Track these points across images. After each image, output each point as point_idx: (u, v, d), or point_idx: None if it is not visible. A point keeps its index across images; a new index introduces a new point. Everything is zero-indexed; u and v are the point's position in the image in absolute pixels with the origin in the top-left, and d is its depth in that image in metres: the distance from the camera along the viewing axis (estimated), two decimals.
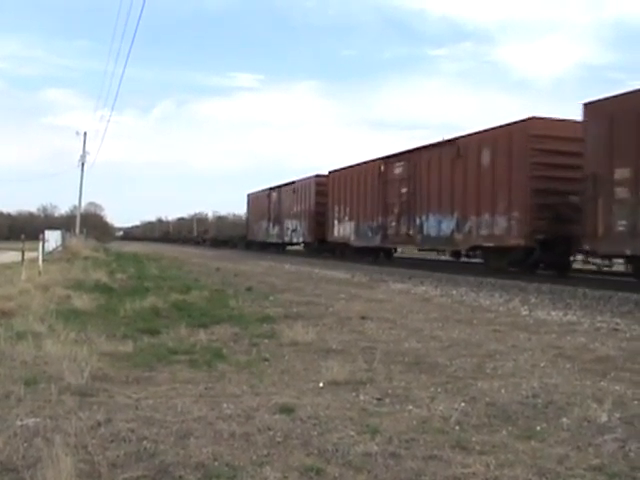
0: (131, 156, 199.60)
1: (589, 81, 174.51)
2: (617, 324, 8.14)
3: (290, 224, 32.78)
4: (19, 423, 3.76)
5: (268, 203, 37.09)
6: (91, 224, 70.61)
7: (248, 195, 42.95)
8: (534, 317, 8.91)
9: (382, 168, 22.31)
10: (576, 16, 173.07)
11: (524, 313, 9.37)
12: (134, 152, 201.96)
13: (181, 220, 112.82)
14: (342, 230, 25.84)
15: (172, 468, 3.12)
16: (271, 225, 36.46)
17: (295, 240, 32.80)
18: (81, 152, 48.43)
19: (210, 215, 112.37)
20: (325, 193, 27.73)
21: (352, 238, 24.78)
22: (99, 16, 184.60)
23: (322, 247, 28.80)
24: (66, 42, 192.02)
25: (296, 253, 33.91)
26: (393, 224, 21.52)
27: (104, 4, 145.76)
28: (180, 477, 3.04)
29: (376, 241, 22.84)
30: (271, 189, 36.96)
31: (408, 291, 12.98)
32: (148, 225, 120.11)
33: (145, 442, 3.48)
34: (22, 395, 4.36)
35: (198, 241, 63.73)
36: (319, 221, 28.43)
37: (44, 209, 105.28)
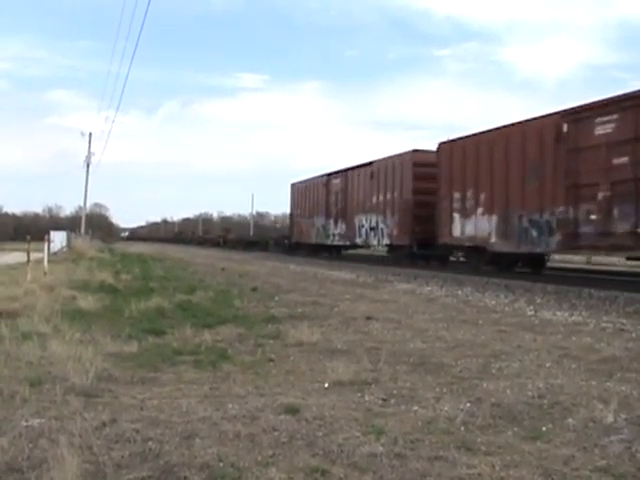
0: (136, 157, 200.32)
1: (593, 81, 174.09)
2: (623, 324, 8.11)
3: (365, 220, 23.89)
4: (24, 424, 3.76)
5: (326, 194, 27.95)
6: (96, 225, 71.04)
7: (292, 185, 33.35)
8: (540, 317, 8.89)
9: (565, 128, 13.93)
10: (581, 16, 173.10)
11: (530, 313, 9.34)
12: (139, 153, 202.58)
13: (186, 220, 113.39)
14: (470, 227, 17.20)
15: (177, 469, 3.12)
16: (332, 222, 27.26)
17: (374, 242, 24.00)
18: (86, 153, 48.79)
19: (215, 215, 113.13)
20: (429, 175, 19.28)
21: (493, 239, 16.34)
22: (103, 16, 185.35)
23: (425, 252, 20.49)
24: (70, 43, 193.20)
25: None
26: (593, 217, 13.18)
27: (108, 5, 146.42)
28: (185, 478, 3.04)
29: (550, 244, 14.43)
30: (330, 175, 27.99)
31: (413, 291, 12.96)
32: (153, 226, 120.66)
33: (150, 443, 3.48)
34: (27, 396, 4.37)
35: (218, 242, 56.14)
36: (420, 215, 19.96)
37: (49, 210, 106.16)
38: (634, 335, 7.31)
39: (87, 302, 9.65)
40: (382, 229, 22.49)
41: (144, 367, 5.51)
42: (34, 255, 18.09)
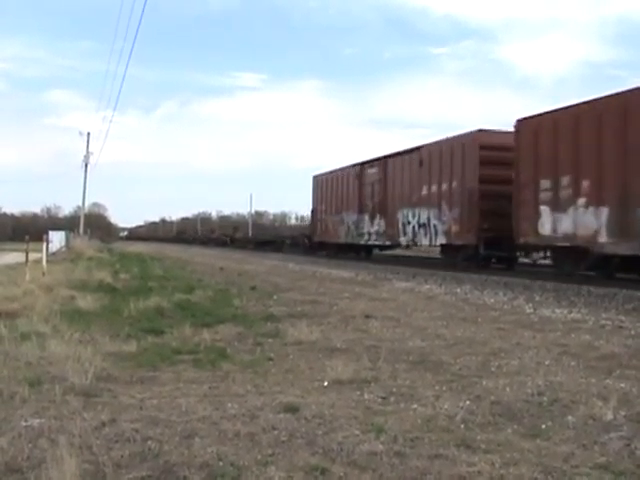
0: (134, 156, 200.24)
1: (591, 79, 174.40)
2: (622, 321, 8.12)
3: (411, 216, 20.24)
4: (23, 424, 3.76)
5: (358, 186, 24.26)
6: (95, 224, 70.94)
7: (315, 178, 29.50)
8: (539, 315, 8.89)
9: None
10: (579, 13, 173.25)
11: (528, 311, 9.35)
12: (137, 152, 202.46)
13: (185, 220, 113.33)
14: (567, 223, 13.58)
15: (177, 468, 3.12)
16: (367, 219, 23.47)
17: (425, 241, 20.06)
18: (85, 153, 48.68)
19: (214, 215, 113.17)
20: (499, 160, 16.31)
21: (602, 238, 12.75)
22: (102, 17, 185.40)
23: (496, 253, 17.33)
24: (69, 43, 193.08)
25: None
26: None
27: (107, 5, 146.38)
28: (185, 477, 3.03)
29: None
30: (364, 164, 24.15)
31: (412, 289, 12.97)
32: (152, 225, 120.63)
33: (149, 442, 3.48)
34: (26, 396, 4.36)
35: (224, 242, 52.84)
36: (487, 209, 16.65)
37: (48, 210, 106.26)
38: (633, 332, 7.32)
39: (86, 302, 9.64)
40: (435, 226, 18.90)
41: (143, 366, 5.50)
42: (33, 255, 18.08)
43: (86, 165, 48.66)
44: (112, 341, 6.49)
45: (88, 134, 49.04)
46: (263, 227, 69.13)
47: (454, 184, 18.00)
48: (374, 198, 23.01)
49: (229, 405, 4.24)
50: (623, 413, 4.02)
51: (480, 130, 17.33)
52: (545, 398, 4.42)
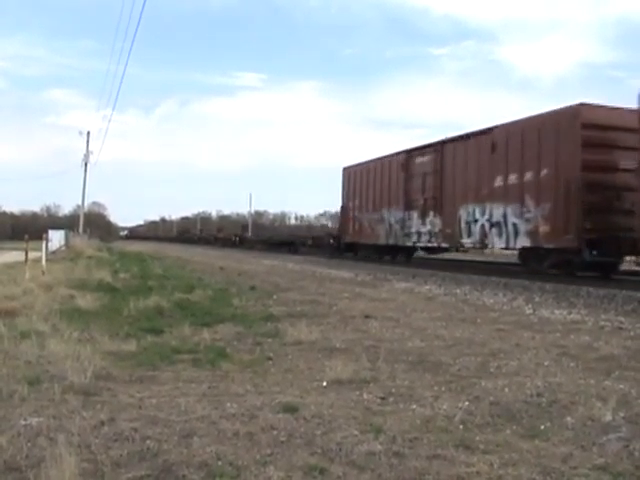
0: (134, 155, 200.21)
1: (590, 80, 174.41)
2: (621, 323, 8.12)
3: (479, 213, 16.77)
4: (23, 422, 3.76)
5: (404, 178, 20.54)
6: (95, 224, 70.89)
7: (345, 170, 25.52)
8: (538, 316, 8.89)
9: None
10: (579, 14, 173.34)
11: (528, 312, 9.35)
12: (137, 151, 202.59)
13: (185, 219, 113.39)
14: None
15: (175, 467, 3.12)
16: (415, 216, 19.86)
17: (499, 244, 16.45)
18: (84, 152, 48.66)
19: (214, 214, 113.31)
20: (607, 143, 13.48)
21: None
22: (102, 16, 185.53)
23: (606, 259, 13.93)
24: (69, 42, 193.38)
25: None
26: None
27: (107, 3, 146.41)
28: (183, 476, 3.04)
29: None
30: (411, 152, 20.47)
31: (412, 290, 12.96)
32: (152, 224, 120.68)
33: (148, 441, 3.48)
34: (26, 394, 4.36)
35: (233, 242, 49.95)
36: (592, 203, 13.40)
37: (47, 209, 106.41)
38: (632, 333, 7.32)
39: (85, 301, 9.64)
40: (515, 225, 15.44)
41: (143, 366, 5.50)
42: (32, 254, 18.07)
43: (86, 164, 48.68)
44: (111, 340, 6.49)
45: (88, 133, 49.08)
46: (263, 227, 69.06)
47: (543, 173, 14.47)
48: (425, 192, 19.37)
49: (228, 405, 4.25)
50: (622, 414, 4.02)
51: (582, 104, 13.82)
52: (544, 399, 4.43)
